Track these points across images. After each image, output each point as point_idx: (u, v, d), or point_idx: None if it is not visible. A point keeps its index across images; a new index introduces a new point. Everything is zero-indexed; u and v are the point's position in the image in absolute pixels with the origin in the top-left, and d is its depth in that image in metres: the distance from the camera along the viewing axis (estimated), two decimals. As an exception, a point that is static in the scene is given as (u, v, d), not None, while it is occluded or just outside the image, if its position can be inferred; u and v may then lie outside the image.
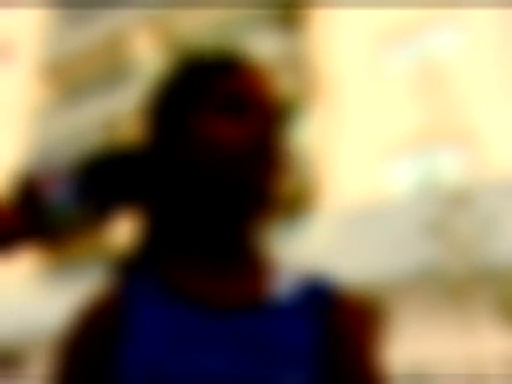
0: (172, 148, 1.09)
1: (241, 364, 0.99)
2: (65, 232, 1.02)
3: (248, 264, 1.09)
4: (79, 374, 1.05)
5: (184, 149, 1.08)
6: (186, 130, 1.08)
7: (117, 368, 1.01)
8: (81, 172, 1.03)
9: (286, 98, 1.12)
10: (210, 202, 1.06)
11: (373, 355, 1.06)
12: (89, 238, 1.07)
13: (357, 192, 15.60)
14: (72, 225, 1.02)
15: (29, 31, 22.47)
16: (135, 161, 1.08)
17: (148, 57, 20.08)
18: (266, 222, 1.09)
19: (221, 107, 1.07)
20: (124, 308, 1.05)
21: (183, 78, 1.12)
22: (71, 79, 21.97)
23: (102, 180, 1.04)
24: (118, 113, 19.26)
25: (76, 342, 1.06)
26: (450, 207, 12.79)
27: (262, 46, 17.07)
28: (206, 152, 1.05)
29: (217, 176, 1.04)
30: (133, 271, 1.11)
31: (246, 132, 1.05)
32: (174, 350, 1.00)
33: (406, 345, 13.52)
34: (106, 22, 20.80)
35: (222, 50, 1.14)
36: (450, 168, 15.14)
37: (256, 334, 1.01)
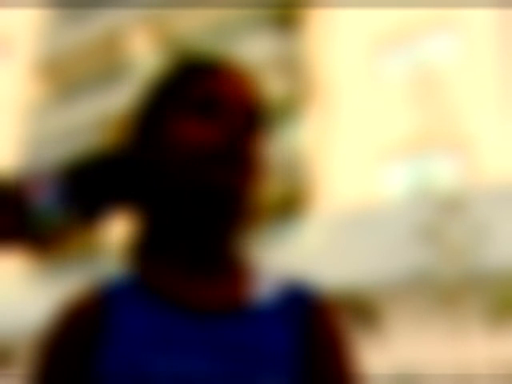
0: (149, 150, 1.10)
1: (219, 367, 0.99)
2: (50, 234, 1.02)
3: (228, 268, 1.09)
4: (59, 374, 1.05)
5: (158, 151, 1.08)
6: (162, 132, 1.09)
7: (96, 369, 1.01)
8: (66, 175, 1.03)
9: (268, 101, 1.12)
10: (185, 205, 1.06)
11: (351, 358, 1.08)
12: (76, 239, 1.08)
13: (351, 196, 15.63)
14: (57, 227, 1.02)
15: (25, 29, 22.47)
16: (119, 163, 1.08)
17: (144, 56, 20.10)
18: (248, 226, 1.09)
19: (194, 109, 1.07)
20: (105, 309, 1.05)
21: (163, 81, 1.14)
22: (67, 77, 21.99)
23: (88, 183, 1.04)
24: (113, 111, 19.28)
25: (56, 342, 1.06)
26: (443, 212, 12.82)
27: (258, 46, 17.10)
28: (176, 153, 1.06)
29: (187, 177, 1.05)
30: (115, 272, 1.12)
31: (218, 134, 1.05)
32: (154, 351, 1.00)
33: (397, 347, 13.55)
34: (102, 21, 20.83)
35: (205, 52, 1.15)
36: (444, 173, 15.18)
37: (235, 338, 1.01)
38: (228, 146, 1.04)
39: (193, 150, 1.05)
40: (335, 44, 17.25)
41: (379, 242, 13.98)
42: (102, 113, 19.54)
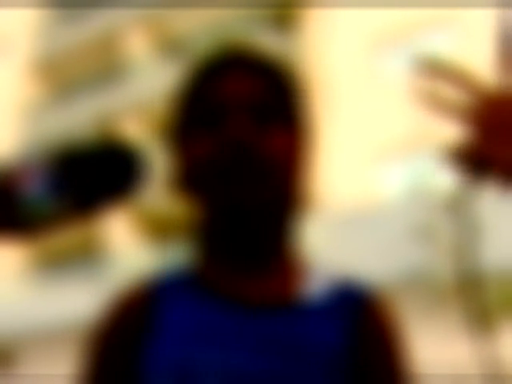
0: (173, 164, 1.10)
1: (270, 363, 0.98)
2: (40, 225, 1.00)
3: (280, 264, 1.08)
4: (107, 370, 1.04)
5: (175, 168, 1.08)
6: (181, 148, 1.09)
7: (146, 365, 1.00)
8: (57, 165, 1.01)
9: (293, 75, 1.14)
10: (215, 214, 1.06)
11: (402, 358, 1.07)
12: (70, 232, 1.06)
13: (347, 196, 15.63)
14: (47, 218, 0.99)
15: (22, 28, 22.43)
16: (119, 156, 1.04)
17: (141, 56, 20.07)
18: (295, 219, 1.09)
19: (200, 124, 1.06)
20: (154, 303, 1.05)
21: (182, 91, 1.12)
22: (64, 77, 21.95)
23: (80, 174, 1.01)
24: (110, 112, 19.24)
25: (104, 337, 1.06)
26: (440, 212, 12.81)
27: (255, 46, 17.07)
28: (189, 170, 1.06)
29: (208, 196, 1.04)
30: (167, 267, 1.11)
31: (219, 143, 1.03)
32: (203, 347, 0.99)
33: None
34: (99, 21, 20.79)
35: (219, 47, 1.13)
36: (442, 174, 15.16)
37: (285, 334, 1.00)
38: (237, 152, 1.02)
39: (201, 166, 1.04)
40: (333, 44, 17.24)
41: (376, 242, 13.99)
42: (99, 113, 19.51)
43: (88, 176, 1.01)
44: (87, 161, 1.02)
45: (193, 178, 1.05)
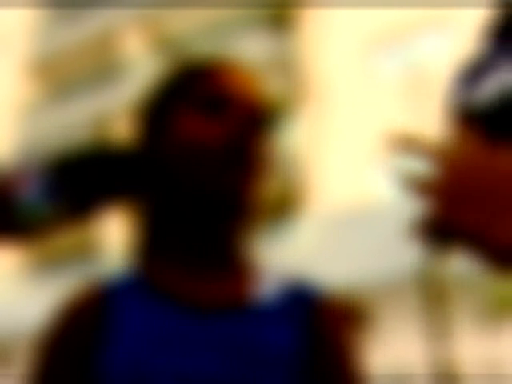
0: (154, 147, 1.09)
1: (224, 365, 0.99)
2: (37, 229, 1.01)
3: (232, 267, 1.08)
4: (60, 374, 1.04)
5: (164, 148, 1.08)
6: (167, 129, 1.08)
7: (97, 368, 1.00)
8: (54, 169, 1.03)
9: (271, 100, 1.11)
10: (189, 204, 1.05)
11: (354, 358, 1.07)
12: (66, 234, 1.06)
13: (343, 195, 15.62)
14: (44, 222, 1.01)
15: (19, 28, 22.36)
16: (115, 159, 1.07)
17: (138, 56, 20.03)
18: (250, 225, 1.08)
19: (200, 106, 1.06)
20: (106, 307, 1.04)
21: (169, 80, 1.13)
22: (61, 77, 21.88)
23: (76, 177, 1.03)
24: (106, 112, 19.20)
25: (56, 341, 1.05)
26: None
27: (252, 46, 17.06)
28: (181, 151, 1.05)
29: (191, 177, 1.04)
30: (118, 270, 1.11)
31: (223, 131, 1.04)
32: (157, 350, 0.99)
33: (389, 346, 13.55)
34: (96, 21, 20.73)
35: (209, 51, 1.15)
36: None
37: (239, 336, 1.01)
38: (234, 144, 1.03)
39: (197, 148, 1.04)
40: (329, 44, 17.23)
41: (371, 242, 13.98)
42: (95, 112, 19.46)
43: (83, 180, 1.03)
44: (82, 165, 1.04)
45: (184, 158, 1.05)
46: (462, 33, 15.68)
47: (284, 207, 16.08)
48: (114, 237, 17.88)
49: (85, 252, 18.09)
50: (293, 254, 14.26)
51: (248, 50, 16.59)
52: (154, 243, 1.09)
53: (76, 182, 1.03)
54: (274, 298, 1.06)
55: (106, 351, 1.00)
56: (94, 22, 20.78)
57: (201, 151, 1.04)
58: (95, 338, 1.02)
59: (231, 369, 0.98)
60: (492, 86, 0.80)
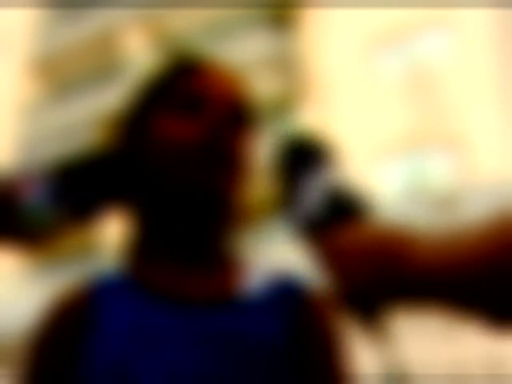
0: (135, 149, 1.10)
1: (211, 360, 0.98)
2: (41, 233, 1.02)
3: (218, 263, 1.09)
4: (46, 372, 1.04)
5: (144, 149, 1.09)
6: (147, 130, 1.10)
7: (83, 367, 1.00)
8: (57, 174, 1.03)
9: (253, 99, 1.11)
10: (172, 204, 1.06)
11: (340, 354, 1.08)
12: (68, 238, 1.08)
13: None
14: (48, 226, 1.02)
15: (20, 28, 22.41)
16: (109, 162, 1.08)
17: (138, 55, 20.06)
18: (237, 222, 1.09)
19: (177, 106, 1.07)
20: (93, 306, 1.05)
21: (150, 80, 1.14)
22: (62, 76, 21.93)
23: (78, 182, 1.04)
24: (107, 110, 19.22)
25: (43, 340, 1.06)
26: (438, 210, 12.82)
27: (252, 45, 17.08)
28: (160, 151, 1.06)
29: (171, 177, 1.05)
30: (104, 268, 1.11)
31: (199, 130, 1.05)
32: (144, 346, 0.99)
33: (390, 346, 13.54)
34: (97, 20, 20.78)
35: (191, 52, 1.15)
36: (439, 171, 15.19)
37: (227, 331, 1.01)
38: (211, 143, 1.04)
39: (175, 148, 1.05)
40: (330, 43, 17.24)
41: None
42: (96, 111, 19.49)
43: (85, 184, 1.04)
44: (84, 170, 1.05)
45: (164, 158, 1.06)
46: (463, 32, 15.68)
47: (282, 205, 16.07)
48: (111, 238, 17.91)
49: (84, 253, 18.13)
50: (290, 253, 14.26)
51: (249, 49, 16.61)
52: (143, 242, 1.10)
53: (78, 186, 1.04)
54: (261, 292, 1.06)
55: (92, 349, 1.00)
56: (95, 22, 20.83)
57: (178, 151, 1.05)
58: (82, 337, 1.02)
59: (220, 363, 0.98)
60: (314, 196, 0.99)
